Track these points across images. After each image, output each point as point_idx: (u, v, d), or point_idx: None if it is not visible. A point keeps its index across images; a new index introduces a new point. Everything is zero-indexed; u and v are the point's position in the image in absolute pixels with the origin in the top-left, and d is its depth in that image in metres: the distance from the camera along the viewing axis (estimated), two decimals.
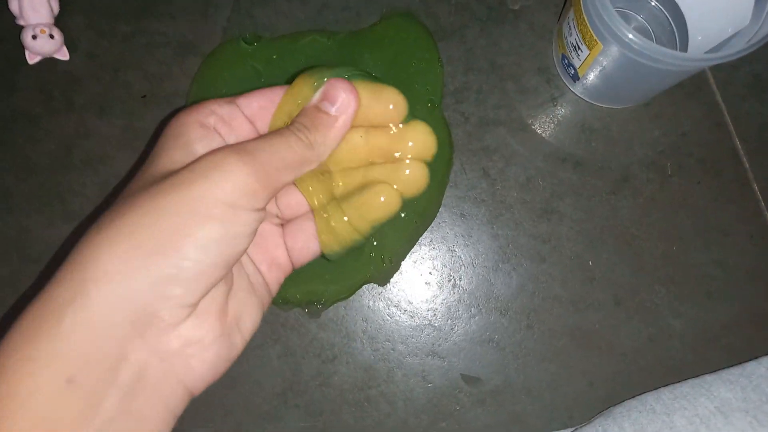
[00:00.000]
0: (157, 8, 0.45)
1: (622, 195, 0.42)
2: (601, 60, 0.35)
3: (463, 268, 0.41)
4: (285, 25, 0.44)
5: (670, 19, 0.40)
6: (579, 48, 0.37)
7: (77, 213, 0.43)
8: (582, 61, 0.37)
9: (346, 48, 0.42)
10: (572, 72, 0.40)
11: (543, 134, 0.42)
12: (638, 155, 0.42)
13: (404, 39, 0.42)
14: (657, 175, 0.42)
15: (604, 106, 0.42)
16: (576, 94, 0.42)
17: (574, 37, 0.37)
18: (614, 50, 0.33)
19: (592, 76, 0.38)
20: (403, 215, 0.40)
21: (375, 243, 0.41)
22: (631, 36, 0.30)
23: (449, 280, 0.41)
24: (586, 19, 0.34)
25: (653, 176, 0.42)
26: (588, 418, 0.39)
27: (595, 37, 0.34)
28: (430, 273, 0.41)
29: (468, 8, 0.44)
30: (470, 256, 0.41)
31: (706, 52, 0.37)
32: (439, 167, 0.42)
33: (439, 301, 0.41)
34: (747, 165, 0.41)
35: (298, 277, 0.42)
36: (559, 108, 0.42)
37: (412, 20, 0.43)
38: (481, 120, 0.43)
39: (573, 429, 0.39)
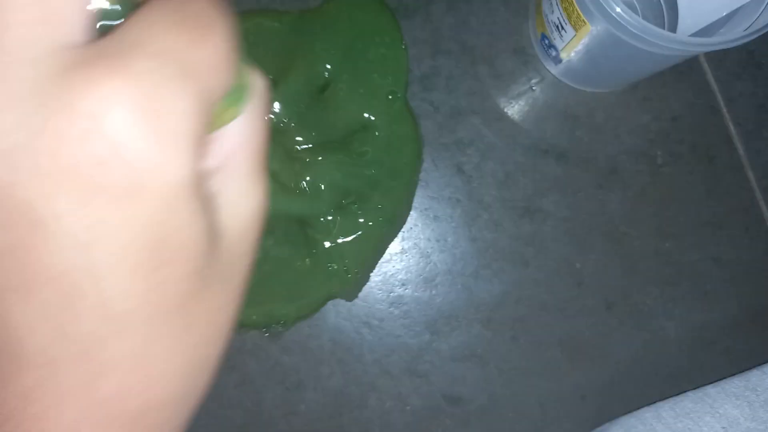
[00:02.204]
0: None
1: (609, 189, 0.39)
2: (588, 42, 0.32)
3: (439, 276, 0.38)
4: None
5: None
6: (562, 28, 0.33)
7: None
8: (566, 42, 0.34)
9: (295, 32, 0.38)
10: (554, 54, 0.36)
11: (522, 124, 0.39)
12: (626, 144, 0.39)
13: (361, 19, 0.38)
14: (647, 166, 0.39)
15: (588, 90, 0.39)
16: (557, 78, 0.39)
17: (556, 16, 0.33)
18: (604, 32, 0.30)
19: (576, 59, 0.35)
20: (368, 222, 0.36)
21: (336, 252, 0.37)
22: (627, 17, 0.27)
23: (424, 291, 0.38)
24: (573, 1, 0.30)
25: (643, 167, 0.39)
26: None
27: (583, 17, 0.30)
28: (403, 284, 0.38)
29: None
30: (447, 263, 0.38)
31: (693, 34, 0.34)
32: (408, 164, 0.38)
33: (414, 314, 0.38)
34: (741, 151, 0.39)
35: (254, 296, 0.38)
36: (538, 93, 0.39)
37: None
38: (452, 109, 0.39)
39: None
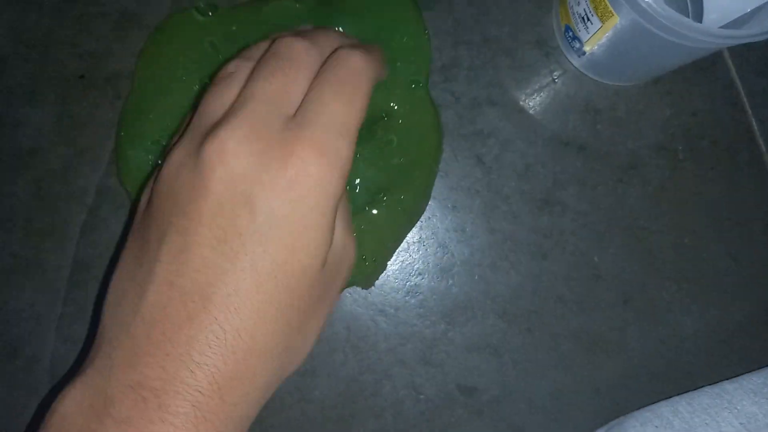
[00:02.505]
0: None
1: (629, 183, 0.39)
2: (614, 34, 0.32)
3: (456, 266, 0.38)
4: None
5: None
6: (588, 20, 0.33)
7: (8, 216, 0.37)
8: (591, 34, 0.34)
9: (318, 17, 0.38)
10: (577, 46, 0.36)
11: (542, 116, 0.39)
12: (647, 138, 0.39)
13: (386, 7, 0.37)
14: (667, 161, 0.39)
15: (610, 83, 0.39)
16: (579, 70, 0.39)
17: (582, 7, 0.33)
18: (632, 24, 0.30)
19: (600, 51, 0.35)
20: (389, 212, 0.36)
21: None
22: (658, 8, 0.26)
23: (441, 281, 0.38)
24: None
25: (663, 162, 0.39)
26: (594, 428, 0.37)
27: (611, 8, 0.30)
28: (420, 274, 0.38)
29: None
30: (464, 254, 0.38)
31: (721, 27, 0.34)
32: (428, 154, 0.38)
33: (430, 304, 0.38)
34: (763, 148, 0.39)
35: None
36: (559, 86, 0.39)
37: None
38: (472, 101, 0.39)
39: None
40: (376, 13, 0.37)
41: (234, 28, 0.37)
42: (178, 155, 0.23)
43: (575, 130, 0.39)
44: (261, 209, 0.21)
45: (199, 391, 0.20)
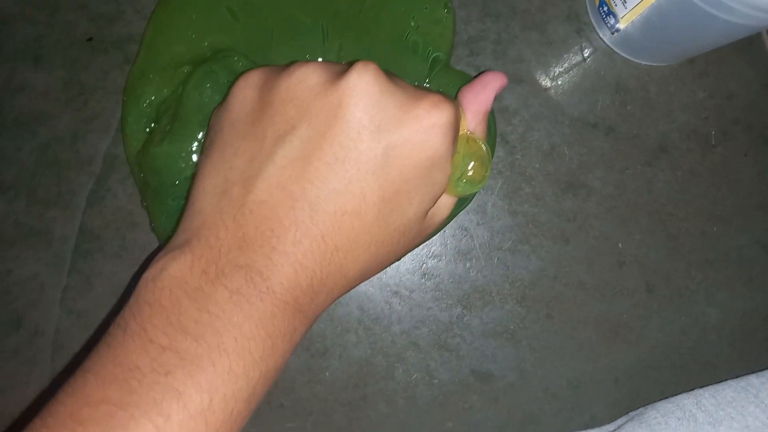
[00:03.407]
0: None
1: (658, 167, 0.38)
2: (655, 9, 0.31)
3: (475, 249, 0.37)
4: None
5: None
6: None
7: (12, 184, 0.37)
8: (628, 9, 0.32)
9: None
10: (611, 22, 0.35)
11: (571, 95, 0.38)
12: (679, 121, 0.38)
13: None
14: (698, 145, 0.38)
15: (643, 62, 0.37)
16: (611, 48, 0.37)
17: None
18: (680, 2, 0.28)
19: (635, 28, 0.34)
20: None
21: None
22: None
23: (459, 263, 0.37)
24: None
25: (694, 146, 0.38)
26: (612, 418, 0.36)
27: None
28: (437, 256, 0.37)
29: None
30: (484, 236, 0.37)
31: None
32: None
33: (446, 287, 0.37)
34: None
35: None
36: (590, 64, 0.38)
37: None
38: None
39: (595, 431, 0.36)
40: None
41: None
42: (314, 69, 0.25)
43: (604, 111, 0.38)
44: (384, 142, 0.23)
45: (300, 289, 0.22)
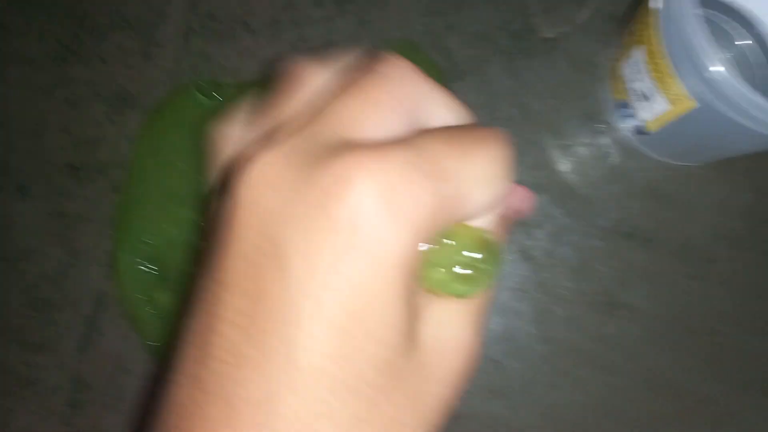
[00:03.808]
0: (82, 49, 0.36)
1: (707, 280, 0.33)
2: (688, 118, 0.27)
3: (505, 385, 0.33)
4: (251, 66, 0.35)
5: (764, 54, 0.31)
6: (652, 99, 0.29)
7: (2, 329, 0.34)
8: (656, 116, 0.29)
9: None
10: (635, 124, 0.32)
11: (599, 202, 0.34)
12: (726, 227, 0.34)
13: None
14: (752, 253, 0.34)
15: (678, 163, 0.34)
16: (639, 149, 0.34)
17: (644, 85, 0.29)
18: (712, 111, 0.25)
19: (664, 134, 0.30)
20: None
21: None
22: (756, 101, 0.22)
23: (490, 402, 0.33)
24: (671, 69, 0.25)
25: (748, 254, 0.34)
26: None
27: (686, 92, 0.26)
28: (464, 393, 0.33)
29: (487, 38, 0.36)
30: (515, 368, 0.33)
31: None
32: None
33: (479, 430, 0.33)
34: None
35: None
36: (617, 166, 0.34)
37: (416, 53, 0.35)
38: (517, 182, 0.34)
39: None
40: None
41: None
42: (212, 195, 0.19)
43: (640, 218, 0.34)
44: (299, 272, 0.15)
45: None
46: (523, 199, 0.20)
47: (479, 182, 0.16)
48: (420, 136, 0.16)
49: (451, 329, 0.17)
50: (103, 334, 0.34)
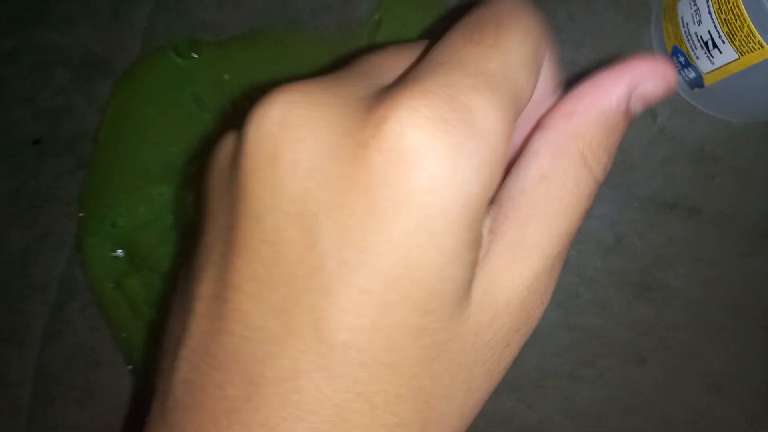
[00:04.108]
0: (48, 11, 0.31)
1: (761, 257, 0.29)
2: (759, 71, 0.22)
3: (523, 377, 0.30)
4: (235, 19, 0.30)
5: None
6: (715, 46, 0.23)
7: None
8: (718, 66, 0.24)
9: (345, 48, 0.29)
10: (692, 76, 0.27)
11: (638, 167, 0.29)
12: None
13: (420, 36, 0.29)
14: None
15: (734, 120, 0.29)
16: (690, 104, 0.29)
17: (707, 29, 0.23)
18: None
19: (727, 86, 0.25)
20: None
21: None
22: None
23: (502, 397, 0.30)
24: (744, 9, 0.20)
25: None
26: None
27: (761, 38, 0.20)
28: None
29: None
30: (534, 360, 0.30)
31: None
32: None
33: (491, 428, 0.30)
34: None
35: None
36: (662, 125, 0.29)
37: (431, 1, 0.29)
38: None
39: None
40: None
41: (226, 75, 0.29)
42: (225, 142, 0.16)
43: (685, 186, 0.29)
44: (326, 232, 0.13)
45: None
46: (647, 75, 0.15)
47: (526, 67, 0.14)
48: (437, 50, 0.14)
49: (507, 281, 0.15)
50: (71, 324, 0.31)
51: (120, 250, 0.29)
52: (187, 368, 0.15)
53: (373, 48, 0.17)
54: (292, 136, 0.13)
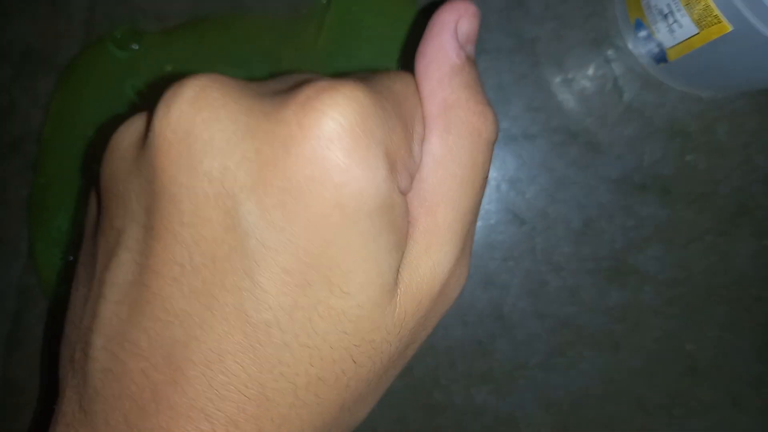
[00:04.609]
0: None
1: (737, 236, 0.28)
2: (718, 44, 0.21)
3: (494, 369, 0.29)
4: (178, 5, 0.29)
5: None
6: (674, 21, 0.22)
7: None
8: (679, 40, 0.23)
9: (296, 34, 0.28)
10: (655, 50, 0.25)
11: (607, 147, 0.28)
12: (762, 170, 0.28)
13: (371, 16, 0.27)
14: None
15: (704, 94, 0.28)
16: (657, 78, 0.28)
17: (665, 2, 0.22)
18: (751, 35, 0.19)
19: (689, 62, 0.24)
20: None
21: None
22: None
23: (470, 391, 0.29)
24: None
25: None
26: None
27: (719, 13, 0.19)
28: (447, 382, 0.29)
29: None
30: (504, 351, 0.29)
31: None
32: None
33: (462, 421, 0.29)
34: None
35: None
36: (630, 102, 0.28)
37: None
38: (505, 133, 0.29)
39: None
40: (367, 29, 0.28)
41: (168, 66, 0.28)
42: (131, 124, 0.16)
43: (656, 165, 0.28)
44: (246, 211, 0.13)
45: None
46: (449, 25, 0.16)
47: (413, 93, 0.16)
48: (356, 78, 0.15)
49: (428, 269, 0.15)
50: (32, 332, 0.30)
51: (72, 256, 0.28)
52: (105, 357, 0.14)
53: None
54: (206, 115, 0.13)
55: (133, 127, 0.15)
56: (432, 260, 0.15)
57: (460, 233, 0.16)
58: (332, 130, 0.13)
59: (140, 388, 0.14)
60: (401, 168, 0.14)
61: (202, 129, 0.13)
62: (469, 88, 0.16)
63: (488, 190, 0.29)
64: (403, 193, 0.15)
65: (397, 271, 0.15)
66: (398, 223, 0.14)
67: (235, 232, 0.13)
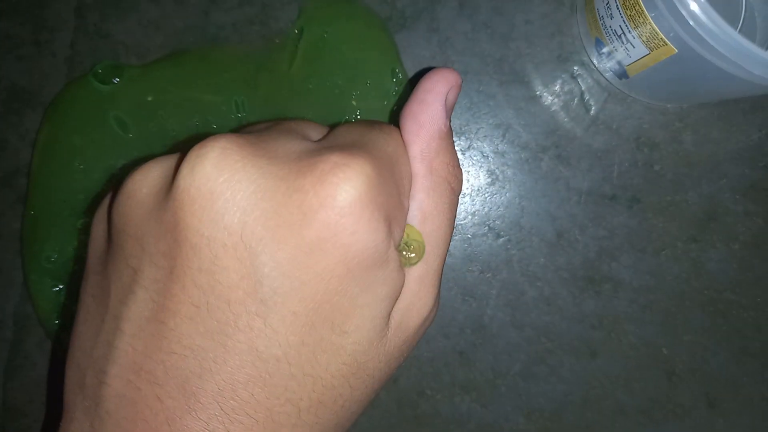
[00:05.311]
0: None
1: (707, 242, 0.29)
2: (670, 65, 0.22)
3: (474, 379, 0.30)
4: (157, 40, 0.31)
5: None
6: (628, 41, 0.23)
7: None
8: (634, 59, 0.24)
9: (274, 62, 0.30)
10: (615, 67, 0.27)
11: (576, 160, 0.30)
12: (730, 177, 0.29)
13: (342, 43, 0.29)
14: (760, 206, 0.29)
15: (668, 105, 0.29)
16: (623, 92, 0.29)
17: (617, 23, 0.23)
18: (700, 61, 0.20)
19: (647, 78, 0.25)
20: None
21: None
22: (748, 47, 0.17)
23: (454, 401, 0.30)
24: (643, 6, 0.20)
25: (754, 208, 0.29)
26: None
27: (663, 36, 0.20)
28: (430, 391, 0.30)
29: None
30: (485, 360, 0.30)
31: None
32: None
33: (446, 430, 0.30)
34: None
35: None
36: (597, 115, 0.29)
37: (351, 4, 0.29)
38: (475, 150, 0.30)
39: None
40: (331, 51, 0.29)
41: (149, 97, 0.29)
42: (148, 173, 0.18)
43: (624, 176, 0.29)
44: (264, 261, 0.16)
45: None
46: (438, 89, 0.19)
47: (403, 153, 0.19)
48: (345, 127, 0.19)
49: (417, 310, 0.19)
50: (30, 359, 0.32)
51: (61, 285, 0.30)
52: (120, 384, 0.16)
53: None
54: (228, 177, 0.15)
55: (150, 176, 0.17)
56: (421, 301, 0.19)
57: (440, 274, 0.19)
58: (345, 201, 0.15)
59: (154, 412, 0.16)
60: (395, 225, 0.17)
61: (225, 188, 0.15)
62: (449, 153, 0.19)
63: (464, 206, 0.30)
64: (397, 244, 0.17)
65: (389, 315, 0.18)
66: (393, 276, 0.17)
67: (249, 279, 0.15)
